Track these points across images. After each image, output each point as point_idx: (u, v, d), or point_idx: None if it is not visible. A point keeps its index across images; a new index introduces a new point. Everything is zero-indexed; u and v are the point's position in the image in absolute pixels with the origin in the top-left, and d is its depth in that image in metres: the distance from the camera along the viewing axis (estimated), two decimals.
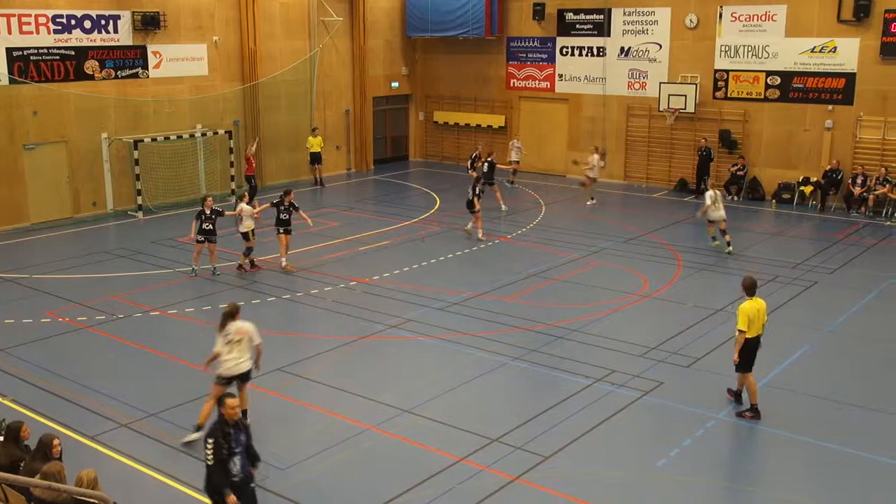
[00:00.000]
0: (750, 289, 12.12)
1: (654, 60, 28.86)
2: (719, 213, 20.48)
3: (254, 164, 26.37)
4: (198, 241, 18.74)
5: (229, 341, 11.13)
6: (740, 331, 11.92)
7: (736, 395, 12.61)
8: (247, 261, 19.15)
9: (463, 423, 11.91)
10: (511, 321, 16.04)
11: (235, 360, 11.16)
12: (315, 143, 29.42)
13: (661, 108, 28.37)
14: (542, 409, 12.38)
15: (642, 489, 10.40)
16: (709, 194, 20.80)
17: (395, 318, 16.25)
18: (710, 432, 11.78)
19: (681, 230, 23.39)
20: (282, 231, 19.12)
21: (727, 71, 27.53)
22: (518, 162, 29.51)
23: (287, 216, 19.12)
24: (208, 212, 18.69)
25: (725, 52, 27.45)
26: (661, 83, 28.38)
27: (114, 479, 9.85)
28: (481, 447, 11.25)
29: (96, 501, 7.29)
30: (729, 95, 27.60)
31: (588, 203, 26.33)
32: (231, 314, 11.29)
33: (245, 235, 19.04)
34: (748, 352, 12.04)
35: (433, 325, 15.84)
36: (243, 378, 11.34)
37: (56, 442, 8.54)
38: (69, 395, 12.83)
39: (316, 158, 29.48)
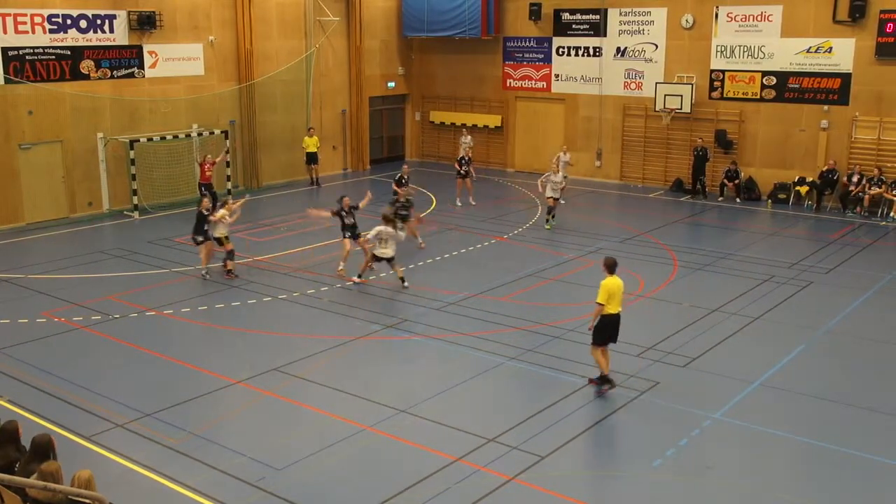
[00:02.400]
0: (610, 268, 12.92)
1: (651, 60, 28.89)
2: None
3: (208, 173, 24.59)
4: (197, 243, 18.73)
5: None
6: (599, 304, 12.70)
7: (601, 379, 13.01)
8: (232, 265, 18.83)
9: (459, 423, 11.91)
10: (507, 321, 16.04)
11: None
12: (311, 143, 29.40)
13: (657, 109, 28.41)
14: (538, 409, 12.39)
15: (638, 489, 10.41)
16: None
17: (392, 318, 16.25)
18: (706, 432, 11.80)
19: (677, 230, 23.42)
20: (348, 236, 18.94)
21: (723, 71, 27.57)
22: (565, 178, 25.67)
23: (352, 220, 18.95)
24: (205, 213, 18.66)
25: (721, 52, 27.50)
26: (657, 83, 28.42)
27: (109, 479, 9.83)
28: (478, 447, 11.25)
29: (91, 501, 7.29)
30: (725, 95, 27.65)
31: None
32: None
33: (218, 241, 18.70)
34: (609, 327, 12.82)
35: (430, 324, 15.83)
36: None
37: (52, 441, 8.51)
38: (65, 395, 12.80)
39: (312, 158, 29.47)
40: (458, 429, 11.77)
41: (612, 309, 12.75)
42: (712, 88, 27.84)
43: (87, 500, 7.24)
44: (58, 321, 15.95)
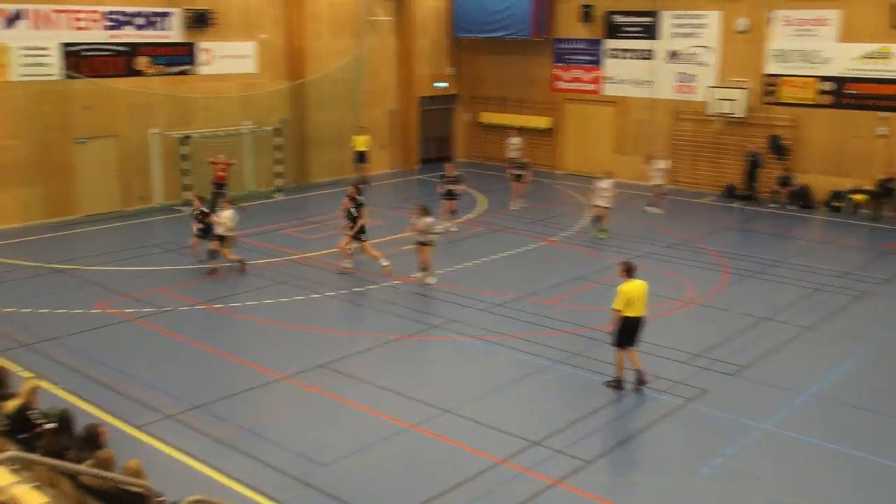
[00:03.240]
0: (629, 271, 12.92)
1: (703, 64, 28.55)
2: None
3: (220, 173, 23.98)
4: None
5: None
6: (615, 310, 12.79)
7: (616, 382, 13.07)
8: (236, 259, 18.98)
9: (503, 425, 11.88)
10: (553, 324, 15.96)
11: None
12: (361, 142, 29.50)
13: (709, 113, 28.05)
14: (583, 414, 12.31)
15: (684, 497, 10.29)
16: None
17: (438, 317, 16.27)
18: (755, 442, 11.61)
19: (728, 236, 23.10)
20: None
21: (778, 76, 27.13)
22: (661, 185, 25.86)
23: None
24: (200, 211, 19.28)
25: (776, 56, 27.07)
26: (709, 87, 28.07)
27: (157, 468, 9.97)
28: (521, 450, 11.21)
29: (140, 490, 7.40)
30: (779, 101, 27.21)
31: (651, 210, 25.66)
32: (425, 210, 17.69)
33: (221, 238, 18.73)
34: (629, 330, 12.85)
35: (475, 325, 15.82)
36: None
37: (102, 430, 8.67)
38: (116, 385, 13.04)
39: (362, 157, 29.63)
40: (501, 431, 11.73)
41: (633, 312, 12.77)
42: (766, 93, 27.41)
43: (136, 489, 7.35)
44: (111, 312, 16.24)
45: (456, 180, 23.09)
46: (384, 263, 18.70)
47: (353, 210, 18.94)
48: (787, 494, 10.35)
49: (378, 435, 11.56)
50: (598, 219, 22.47)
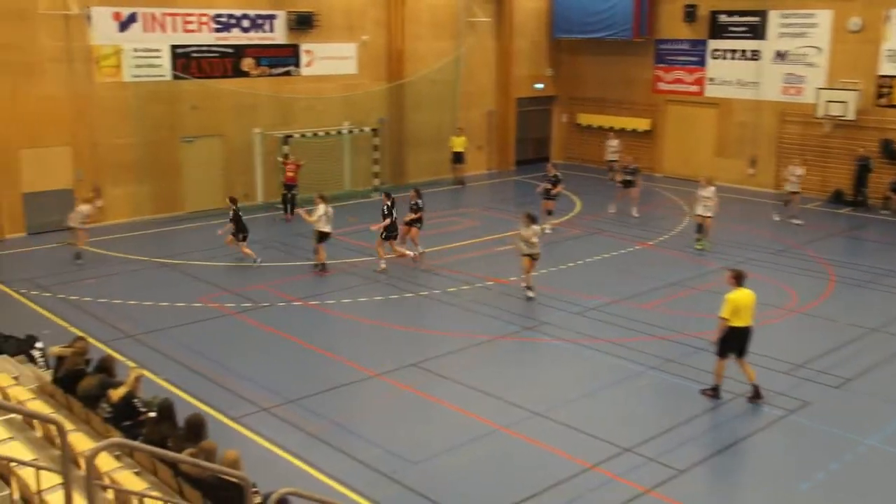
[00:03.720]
0: (738, 279, 12.48)
1: (813, 65, 27.57)
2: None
3: (290, 174, 24.18)
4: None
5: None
6: (722, 318, 12.32)
7: (713, 390, 12.71)
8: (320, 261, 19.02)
9: (595, 430, 11.71)
10: (649, 329, 15.67)
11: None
12: (458, 143, 29.59)
13: (818, 115, 27.07)
14: (678, 422, 12.03)
15: None
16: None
17: (531, 320, 16.17)
18: (860, 457, 11.13)
19: (835, 244, 22.24)
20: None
21: (893, 77, 25.97)
22: (795, 193, 24.53)
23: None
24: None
25: (891, 56, 25.91)
26: (818, 89, 27.08)
27: (252, 460, 10.18)
28: (613, 456, 11.03)
29: (237, 481, 7.56)
30: (893, 103, 26.04)
31: (794, 222, 24.22)
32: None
33: (325, 236, 18.79)
34: (735, 340, 12.40)
35: (569, 328, 15.66)
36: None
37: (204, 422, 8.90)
38: (215, 377, 13.41)
39: (458, 158, 29.68)
40: (593, 436, 11.57)
41: (739, 322, 12.36)
42: (880, 95, 26.26)
43: (233, 479, 7.52)
44: (211, 306, 16.72)
45: (555, 181, 22.95)
46: (388, 259, 19.29)
47: (385, 209, 19.13)
48: None
49: (469, 435, 11.56)
50: (699, 228, 21.29)
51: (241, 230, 19.57)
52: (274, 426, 11.79)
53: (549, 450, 11.21)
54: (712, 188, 20.87)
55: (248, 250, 19.48)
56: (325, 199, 18.98)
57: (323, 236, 18.91)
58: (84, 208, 19.70)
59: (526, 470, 10.71)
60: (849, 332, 15.65)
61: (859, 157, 25.98)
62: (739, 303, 12.33)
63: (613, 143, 29.62)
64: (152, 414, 9.54)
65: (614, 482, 10.40)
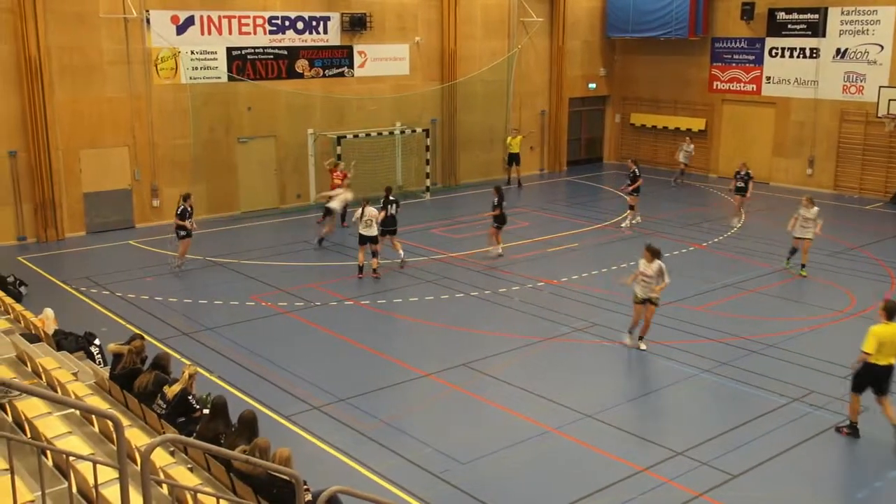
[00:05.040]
0: (890, 313, 11.26)
1: (874, 63, 26.93)
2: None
3: (337, 181, 22.81)
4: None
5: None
6: (865, 352, 11.20)
7: (850, 428, 11.60)
8: (377, 264, 18.74)
9: (647, 433, 11.60)
10: (703, 332, 15.45)
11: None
12: (515, 144, 29.43)
13: (879, 114, 26.43)
14: (731, 426, 11.84)
15: None
16: None
17: (582, 321, 16.06)
18: None
19: (895, 245, 21.68)
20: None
21: None
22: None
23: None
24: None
25: None
26: (880, 87, 26.43)
27: (303, 458, 10.29)
28: (665, 459, 10.90)
29: (288, 479, 7.64)
30: None
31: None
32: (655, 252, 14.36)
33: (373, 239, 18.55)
34: (871, 377, 11.32)
35: (620, 330, 15.49)
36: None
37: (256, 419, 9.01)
38: (268, 374, 13.57)
39: (514, 159, 29.52)
40: (645, 438, 11.46)
41: (883, 359, 11.21)
42: None
43: (285, 477, 7.59)
44: (264, 305, 16.92)
45: (633, 176, 23.21)
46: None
47: (494, 201, 20.04)
48: None
49: (518, 436, 11.52)
50: (793, 251, 19.12)
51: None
52: (325, 424, 11.89)
53: (599, 452, 11.12)
54: (815, 209, 18.77)
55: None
56: (367, 202, 18.71)
57: (362, 238, 18.56)
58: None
59: (576, 472, 10.64)
60: None
61: None
62: (885, 337, 11.16)
63: (689, 147, 29.13)
64: (206, 411, 9.70)
65: (666, 486, 10.28)
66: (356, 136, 26.31)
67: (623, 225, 23.37)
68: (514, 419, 12.07)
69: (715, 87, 31.28)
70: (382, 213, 18.89)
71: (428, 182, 27.99)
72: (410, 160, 27.96)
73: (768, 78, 29.71)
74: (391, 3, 27.32)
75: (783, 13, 28.99)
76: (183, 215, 18.73)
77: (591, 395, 12.88)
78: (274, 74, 25.32)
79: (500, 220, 20.12)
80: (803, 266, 18.86)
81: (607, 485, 10.27)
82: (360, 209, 18.51)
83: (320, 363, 14.11)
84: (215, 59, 24.15)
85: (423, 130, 27.84)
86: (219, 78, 24.30)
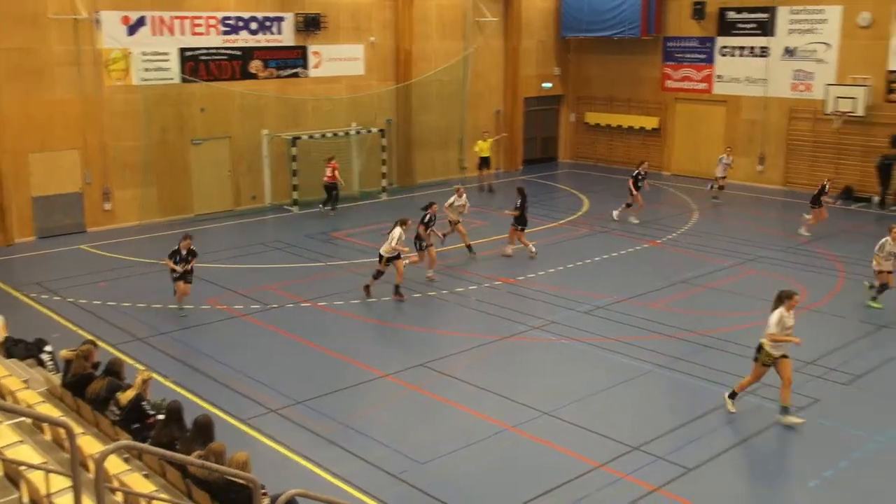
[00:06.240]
0: None
1: (822, 61, 27.46)
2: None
3: (332, 173, 24.69)
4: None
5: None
6: None
7: None
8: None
9: (603, 429, 11.70)
10: (657, 328, 15.64)
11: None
12: (485, 147, 28.57)
13: (827, 112, 26.97)
14: (686, 420, 12.01)
15: None
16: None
17: (539, 319, 16.16)
18: (869, 455, 11.09)
19: (845, 240, 22.13)
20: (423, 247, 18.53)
21: None
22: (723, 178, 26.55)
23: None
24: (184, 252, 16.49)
25: None
26: (828, 85, 26.98)
27: (261, 462, 10.21)
28: (622, 454, 11.02)
29: (246, 483, 7.60)
30: None
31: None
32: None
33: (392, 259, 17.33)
34: None
35: (577, 328, 15.64)
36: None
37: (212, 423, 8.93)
38: (224, 378, 13.45)
39: (485, 163, 28.68)
40: (602, 434, 11.57)
41: None
42: (890, 91, 26.13)
43: (242, 481, 7.55)
44: (220, 308, 16.77)
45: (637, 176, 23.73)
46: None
47: (518, 202, 20.11)
48: None
49: (477, 435, 11.56)
50: (882, 287, 16.73)
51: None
52: (283, 427, 11.82)
53: (557, 449, 11.21)
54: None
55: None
56: (403, 223, 17.39)
57: (379, 257, 17.44)
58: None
59: (534, 469, 10.71)
60: (859, 328, 15.60)
61: (883, 156, 25.71)
62: None
63: (728, 159, 26.81)
64: (161, 416, 9.59)
65: (623, 481, 10.39)
66: (311, 137, 26.18)
67: (632, 219, 23.80)
68: (472, 418, 12.11)
69: (667, 85, 31.66)
70: (518, 212, 19.94)
71: (384, 182, 27.94)
72: (366, 161, 27.88)
73: (719, 76, 30.15)
74: (345, 4, 27.23)
75: (733, 13, 29.44)
76: (173, 256, 16.50)
77: (548, 392, 12.97)
78: (227, 75, 25.08)
79: (520, 222, 20.09)
80: (875, 299, 16.83)
81: (565, 481, 10.35)
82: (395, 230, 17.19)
83: (277, 366, 14.03)
84: (167, 60, 23.86)
85: (379, 131, 27.78)
86: (171, 79, 24.01)
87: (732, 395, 12.25)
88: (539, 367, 14.18)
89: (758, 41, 28.93)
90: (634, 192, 23.62)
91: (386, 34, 28.34)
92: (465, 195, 20.85)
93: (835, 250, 20.93)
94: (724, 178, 26.47)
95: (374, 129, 27.73)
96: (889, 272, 16.52)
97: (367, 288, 17.44)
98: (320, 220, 24.33)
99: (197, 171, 24.83)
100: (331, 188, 25.03)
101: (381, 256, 17.29)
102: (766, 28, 28.64)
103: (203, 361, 14.13)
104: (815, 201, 22.58)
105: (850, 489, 10.32)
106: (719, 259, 20.23)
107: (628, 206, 23.76)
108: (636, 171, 23.83)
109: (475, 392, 12.98)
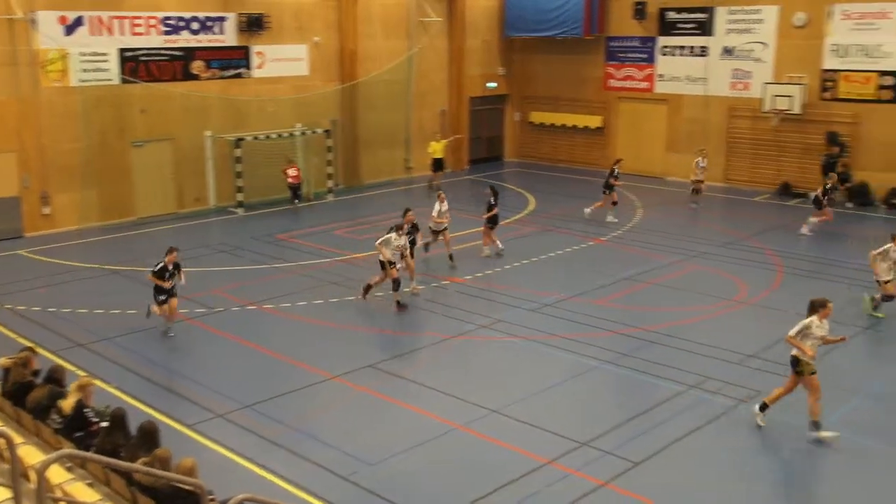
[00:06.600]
0: None
1: (759, 60, 28.07)
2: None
3: (297, 174, 25.78)
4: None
5: None
6: None
7: None
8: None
9: (552, 426, 11.81)
10: (603, 324, 15.83)
11: None
12: (438, 149, 28.40)
13: (765, 110, 27.57)
14: (632, 414, 12.19)
15: (736, 499, 10.12)
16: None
17: (486, 318, 16.24)
18: (810, 446, 11.37)
19: (783, 235, 22.65)
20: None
21: (836, 71, 26.55)
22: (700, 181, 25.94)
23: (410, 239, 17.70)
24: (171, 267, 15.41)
25: (835, 51, 26.49)
26: (765, 83, 27.59)
27: (209, 467, 10.10)
28: (570, 450, 11.14)
29: (192, 489, 7.52)
30: (838, 96, 26.61)
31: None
32: None
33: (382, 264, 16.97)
34: None
35: (524, 326, 15.76)
36: None
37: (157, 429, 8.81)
38: (169, 384, 13.28)
39: (439, 164, 28.45)
40: (550, 431, 11.68)
41: None
42: (824, 89, 26.84)
43: (188, 487, 7.47)
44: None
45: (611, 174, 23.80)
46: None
47: (490, 201, 20.08)
48: (843, 497, 10.11)
49: (426, 435, 11.59)
50: (887, 297, 16.32)
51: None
52: (230, 432, 11.71)
53: (506, 447, 11.28)
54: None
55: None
56: (399, 229, 17.00)
57: (381, 263, 17.07)
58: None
59: (483, 467, 10.77)
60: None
61: (828, 154, 26.29)
62: None
63: (704, 162, 26.11)
64: (104, 424, 9.43)
65: (572, 476, 10.51)
66: (256, 138, 25.94)
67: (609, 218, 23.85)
68: (420, 418, 12.14)
69: (610, 85, 32.05)
70: (494, 212, 19.93)
71: (331, 183, 27.81)
72: (312, 161, 27.70)
73: (661, 76, 30.63)
74: (289, 3, 27.03)
75: (673, 13, 29.92)
76: (161, 273, 15.07)
77: (496, 390, 13.05)
78: (169, 76, 24.70)
79: (492, 221, 20.15)
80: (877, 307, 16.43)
81: (514, 478, 10.43)
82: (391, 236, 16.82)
83: (224, 370, 13.88)
84: (107, 60, 23.41)
85: (325, 131, 27.65)
86: (111, 80, 23.56)
87: (763, 408, 11.86)
88: (487, 366, 14.26)
89: (697, 41, 29.45)
90: (607, 192, 23.74)
91: (330, 34, 28.21)
92: (446, 200, 20.05)
93: (773, 245, 21.40)
94: (700, 181, 25.82)
95: (320, 130, 27.58)
96: (887, 281, 16.03)
97: (367, 289, 17.23)
98: (265, 222, 24.13)
99: (139, 174, 24.42)
100: (296, 188, 25.66)
101: (382, 264, 16.75)
102: (705, 28, 29.17)
103: (147, 367, 13.92)
104: (819, 202, 22.29)
105: (792, 478, 10.57)
106: (662, 255, 20.55)
107: (614, 203, 23.92)
108: (612, 170, 23.83)
109: (424, 392, 13.01)
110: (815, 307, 11.66)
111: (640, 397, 12.84)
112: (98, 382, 12.92)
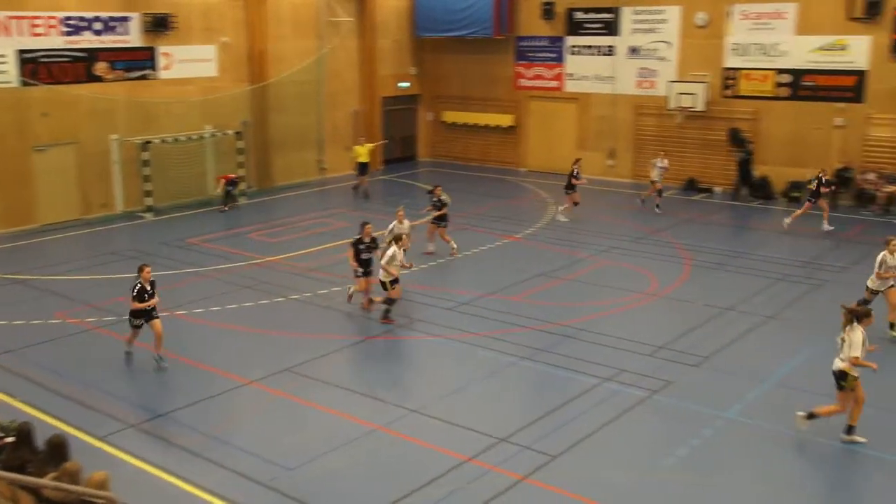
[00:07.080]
0: None
1: (664, 59, 28.81)
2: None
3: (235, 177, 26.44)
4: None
5: None
6: None
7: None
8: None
9: (470, 423, 11.90)
10: (519, 321, 16.02)
11: None
12: (363, 153, 27.82)
13: (670, 107, 28.32)
14: (550, 409, 12.37)
15: (651, 488, 10.38)
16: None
17: (403, 318, 16.25)
18: (719, 432, 11.75)
19: (690, 229, 23.32)
20: (361, 273, 16.69)
21: (737, 69, 27.45)
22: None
23: (368, 255, 16.76)
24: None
25: (735, 50, 27.39)
26: (670, 82, 28.33)
27: (123, 479, 9.85)
28: (489, 447, 11.24)
29: (105, 502, 7.34)
30: (739, 94, 27.53)
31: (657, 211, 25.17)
32: None
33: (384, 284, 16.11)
34: None
35: (441, 324, 15.83)
36: None
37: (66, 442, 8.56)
38: (78, 395, 12.87)
39: (363, 169, 27.78)
40: (469, 428, 11.76)
41: None
42: (726, 87, 27.73)
43: (100, 501, 7.28)
44: (71, 322, 16.03)
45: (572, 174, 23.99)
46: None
47: (437, 201, 20.37)
48: (752, 482, 10.47)
49: (345, 437, 11.54)
50: None
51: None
52: (143, 442, 11.44)
53: (426, 446, 11.32)
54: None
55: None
56: (397, 241, 16.26)
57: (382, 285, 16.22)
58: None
59: (404, 467, 10.79)
60: (705, 312, 16.46)
61: (744, 151, 27.05)
62: None
63: (664, 162, 25.40)
64: (10, 439, 9.09)
65: (492, 472, 10.61)
66: (164, 141, 25.36)
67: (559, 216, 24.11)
68: (340, 420, 12.08)
69: (521, 84, 32.43)
70: (444, 210, 20.28)
71: (243, 185, 27.39)
72: (223, 164, 27.23)
73: (570, 75, 31.13)
74: (196, 3, 26.51)
75: (581, 13, 30.45)
76: (141, 296, 13.84)
77: (414, 390, 13.10)
78: (71, 78, 23.94)
79: (441, 219, 20.41)
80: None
81: (435, 477, 10.47)
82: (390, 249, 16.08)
83: (136, 379, 13.56)
84: (4, 62, 22.55)
85: (235, 133, 27.21)
86: (9, 82, 22.70)
87: (811, 416, 11.44)
88: (406, 366, 14.29)
89: (604, 40, 30.04)
90: (569, 192, 23.93)
91: (239, 34, 27.79)
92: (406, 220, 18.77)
93: (681, 239, 22.01)
94: (655, 181, 25.27)
95: (230, 132, 27.14)
96: (890, 287, 15.40)
97: (370, 302, 16.57)
98: (176, 226, 23.62)
99: (41, 179, 23.59)
100: (235, 183, 25.96)
101: (383, 283, 16.00)
102: (611, 28, 29.78)
103: (54, 378, 13.48)
104: (815, 194, 22.42)
105: (703, 464, 10.90)
106: (575, 251, 20.92)
107: (575, 204, 24.08)
108: (573, 171, 23.94)
109: (342, 394, 12.95)
110: (861, 317, 11.09)
111: (557, 391, 13.04)
112: (2, 396, 12.51)
